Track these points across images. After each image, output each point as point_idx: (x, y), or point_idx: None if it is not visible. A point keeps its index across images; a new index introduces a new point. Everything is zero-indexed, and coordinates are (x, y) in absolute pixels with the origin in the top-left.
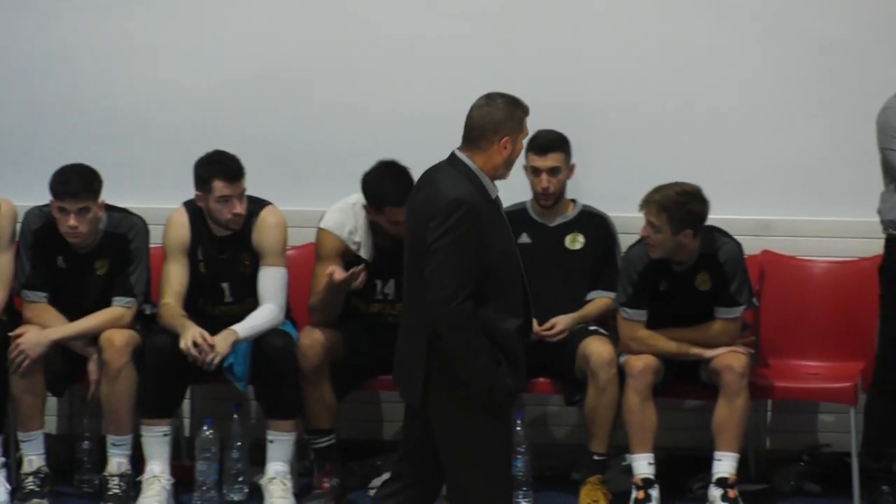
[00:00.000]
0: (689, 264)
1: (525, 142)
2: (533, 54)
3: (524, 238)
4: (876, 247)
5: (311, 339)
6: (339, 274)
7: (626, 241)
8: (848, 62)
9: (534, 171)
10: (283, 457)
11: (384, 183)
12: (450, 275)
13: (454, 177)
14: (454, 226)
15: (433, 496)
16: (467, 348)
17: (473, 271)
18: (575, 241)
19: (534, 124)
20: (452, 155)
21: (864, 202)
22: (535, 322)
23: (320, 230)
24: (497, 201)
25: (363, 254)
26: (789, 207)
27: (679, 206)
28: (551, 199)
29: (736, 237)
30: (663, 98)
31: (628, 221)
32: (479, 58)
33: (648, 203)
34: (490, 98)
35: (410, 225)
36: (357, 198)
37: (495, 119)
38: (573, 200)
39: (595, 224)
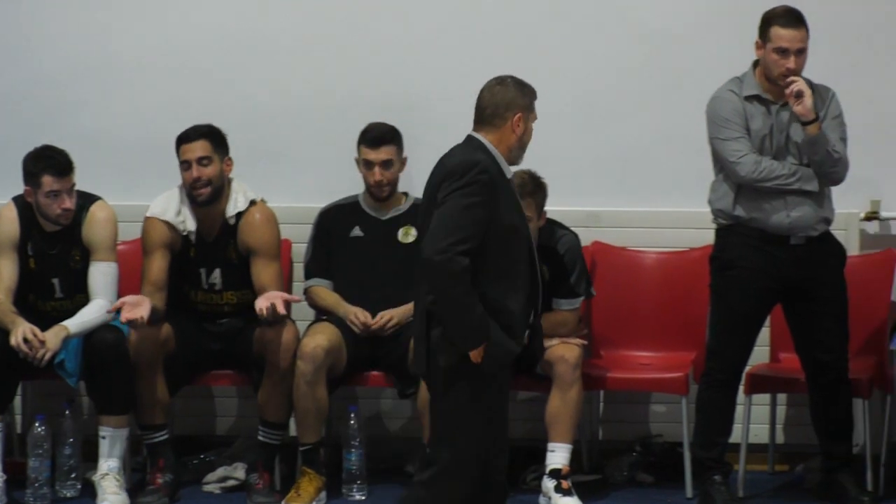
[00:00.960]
0: None
1: (358, 135)
2: (364, 47)
3: (356, 231)
4: (706, 237)
5: (143, 335)
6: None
7: None
8: (676, 53)
9: (366, 165)
10: (115, 452)
11: (187, 129)
12: (449, 227)
13: (468, 150)
14: (466, 184)
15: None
16: (457, 303)
17: (476, 232)
18: (408, 235)
19: (366, 117)
20: (468, 136)
21: (693, 192)
22: (367, 315)
23: (146, 219)
24: (511, 182)
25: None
26: (619, 198)
27: (542, 188)
28: (385, 191)
29: None
30: None
31: None
32: (308, 52)
33: (523, 196)
34: (500, 79)
35: (424, 202)
36: (180, 185)
37: (507, 97)
38: (405, 193)
39: None
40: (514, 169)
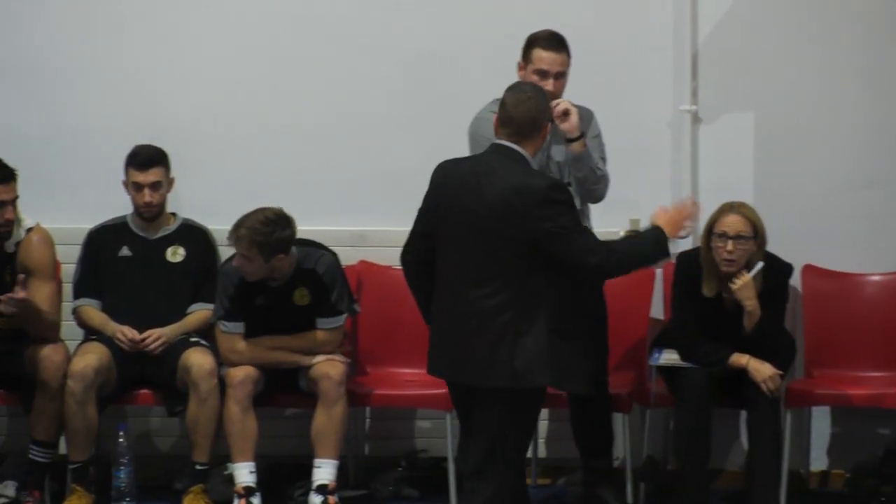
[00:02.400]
0: (284, 280)
1: (127, 158)
2: (130, 71)
3: (125, 251)
4: None
5: None
6: None
7: (226, 253)
8: (439, 74)
9: (135, 187)
10: None
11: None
12: (591, 239)
13: (516, 164)
14: (564, 204)
15: None
16: (635, 256)
17: None
18: (175, 254)
19: (134, 139)
20: (504, 147)
21: None
22: (134, 332)
23: None
24: None
25: None
26: (384, 218)
27: (266, 235)
28: (153, 212)
29: (334, 248)
30: (260, 111)
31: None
32: (77, 75)
33: (238, 238)
34: (521, 90)
35: (478, 216)
36: None
37: (541, 108)
38: (174, 213)
39: (195, 237)
40: (267, 191)
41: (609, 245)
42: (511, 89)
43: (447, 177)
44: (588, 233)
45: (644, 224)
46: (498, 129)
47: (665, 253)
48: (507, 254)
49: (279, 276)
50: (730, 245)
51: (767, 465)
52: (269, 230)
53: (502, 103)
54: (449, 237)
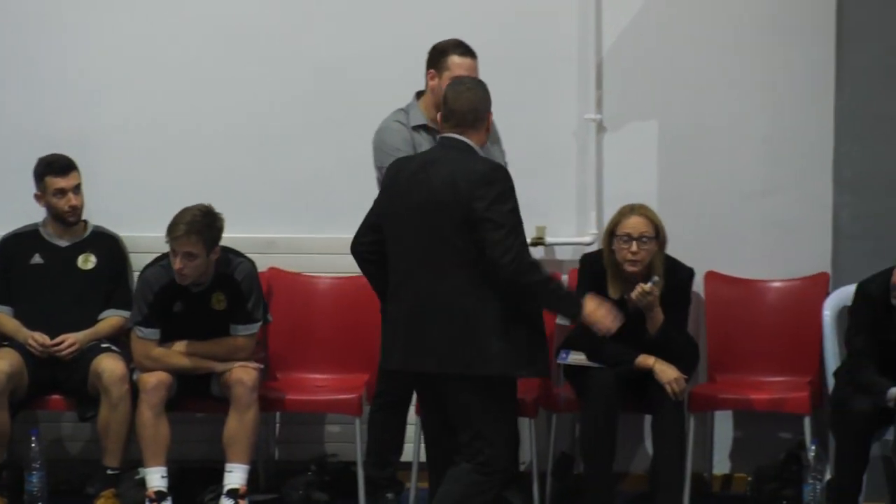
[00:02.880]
0: (206, 285)
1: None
2: (37, 78)
3: (37, 259)
4: None
5: None
6: None
7: (137, 260)
8: (346, 84)
9: (59, 193)
10: None
11: None
12: (510, 235)
13: (463, 153)
14: (504, 190)
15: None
16: (546, 285)
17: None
18: (87, 261)
19: (42, 149)
20: (451, 139)
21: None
22: (45, 337)
23: None
24: None
25: None
26: (293, 225)
27: (208, 227)
28: (79, 215)
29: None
30: (167, 120)
31: (140, 241)
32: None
33: (178, 237)
34: (460, 83)
35: (429, 205)
36: None
37: (481, 98)
38: (85, 221)
39: (107, 244)
40: (178, 199)
41: (532, 260)
42: (450, 85)
43: (398, 172)
44: (517, 233)
45: (553, 234)
46: (442, 126)
47: (567, 313)
48: (459, 240)
49: (205, 280)
50: (634, 246)
51: (671, 469)
52: (208, 220)
53: (444, 99)
54: (403, 229)
